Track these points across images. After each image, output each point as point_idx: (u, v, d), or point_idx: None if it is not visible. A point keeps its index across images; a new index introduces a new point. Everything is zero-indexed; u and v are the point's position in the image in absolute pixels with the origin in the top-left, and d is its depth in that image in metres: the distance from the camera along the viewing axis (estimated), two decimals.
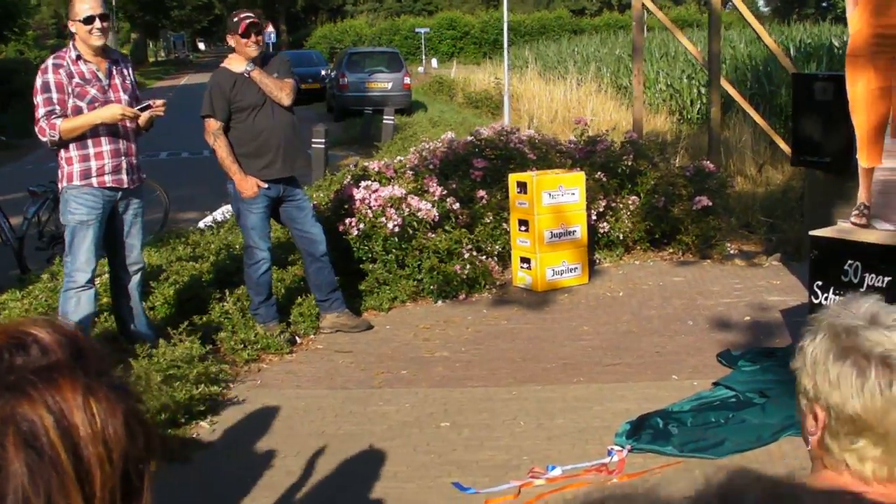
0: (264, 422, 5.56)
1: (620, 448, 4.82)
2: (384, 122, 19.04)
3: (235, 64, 6.76)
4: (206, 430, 5.47)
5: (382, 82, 27.11)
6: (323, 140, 13.35)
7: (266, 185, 6.75)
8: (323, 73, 32.82)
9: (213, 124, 6.72)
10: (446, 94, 31.92)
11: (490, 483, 4.60)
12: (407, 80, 27.53)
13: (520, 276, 8.29)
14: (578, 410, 5.48)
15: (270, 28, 49.16)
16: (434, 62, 46.04)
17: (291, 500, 4.59)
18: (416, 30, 44.96)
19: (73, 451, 0.88)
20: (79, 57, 5.95)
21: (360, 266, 7.90)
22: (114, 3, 55.30)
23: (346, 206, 7.99)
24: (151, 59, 77.26)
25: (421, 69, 42.26)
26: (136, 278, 6.44)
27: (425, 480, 4.71)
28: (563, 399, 5.68)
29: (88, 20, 5.89)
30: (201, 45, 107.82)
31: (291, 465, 4.96)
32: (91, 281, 6.10)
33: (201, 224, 10.28)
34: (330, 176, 10.34)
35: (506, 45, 23.48)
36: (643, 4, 11.40)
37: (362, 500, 4.52)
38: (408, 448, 5.12)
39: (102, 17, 5.91)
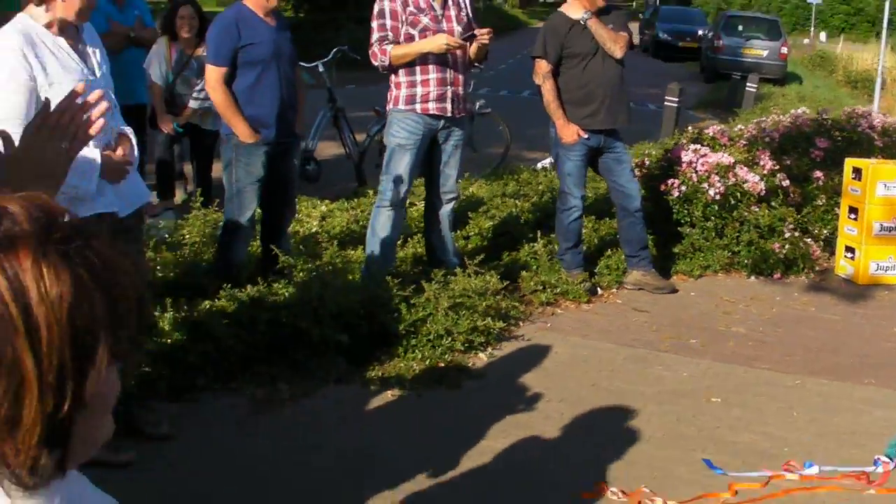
0: (541, 364, 5.61)
1: (888, 460, 4.44)
2: (747, 88, 18.38)
3: (573, 10, 6.74)
4: (482, 361, 5.59)
5: (758, 49, 26.17)
6: (676, 99, 13.07)
7: (586, 135, 6.73)
8: (700, 32, 32.11)
9: (543, 66, 6.76)
10: (827, 69, 30.30)
11: (742, 467, 4.39)
12: (784, 50, 26.39)
13: (841, 265, 7.77)
14: (859, 412, 5.09)
15: None
16: (823, 36, 43.73)
17: (538, 443, 4.61)
18: (809, 0, 42.78)
19: (24, 310, 0.95)
20: None
21: (678, 229, 7.72)
22: None
23: (673, 167, 7.82)
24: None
25: (807, 41, 40.32)
26: (448, 206, 6.62)
27: (678, 451, 4.56)
28: (848, 398, 5.29)
29: None
30: None
31: (552, 409, 4.97)
32: (402, 202, 6.34)
33: (539, 165, 10.39)
34: (677, 135, 10.15)
35: (885, 23, 21.81)
36: None
37: (608, 457, 4.46)
38: (671, 416, 4.98)
39: None
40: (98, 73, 4.05)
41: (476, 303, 5.85)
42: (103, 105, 2.01)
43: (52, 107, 1.97)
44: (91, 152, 3.76)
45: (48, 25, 3.93)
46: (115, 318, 1.03)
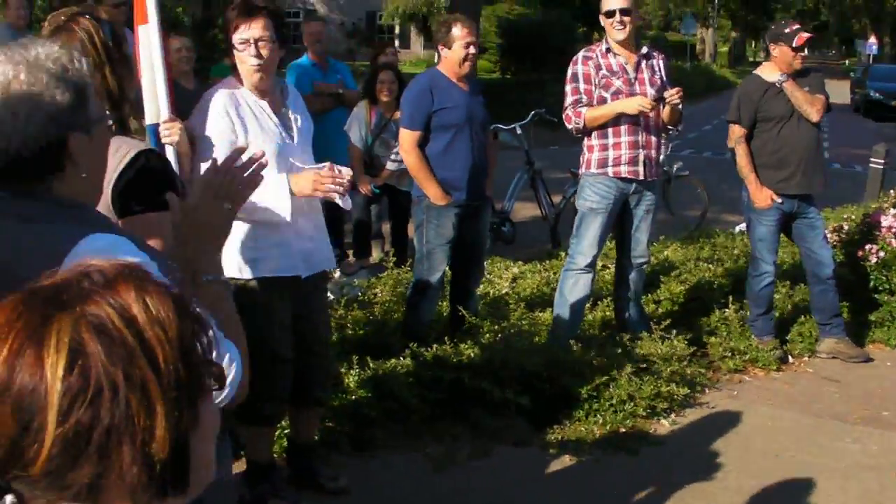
0: (724, 432, 5.45)
1: None
2: None
3: (769, 72, 6.61)
4: (664, 428, 5.49)
5: None
6: (882, 160, 12.51)
7: (780, 200, 6.56)
8: None
9: (736, 130, 6.66)
10: None
11: None
12: None
13: None
14: None
15: (872, 39, 46.86)
16: None
17: None
18: None
19: (137, 334, 1.05)
20: (608, 50, 6.16)
21: (875, 296, 7.38)
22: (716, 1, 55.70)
23: (872, 232, 7.50)
24: (750, 59, 76.79)
25: None
26: (638, 271, 6.56)
27: None
28: None
29: (609, 14, 6.08)
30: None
31: (732, 480, 4.83)
32: (591, 266, 6.31)
33: (737, 229, 10.15)
34: (881, 198, 9.74)
35: None
36: None
37: None
38: (857, 492, 4.77)
39: (623, 12, 6.03)
40: (295, 138, 4.25)
41: (661, 368, 5.76)
42: (263, 162, 2.13)
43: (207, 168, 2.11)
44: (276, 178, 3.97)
45: (252, 89, 4.19)
46: (210, 346, 1.14)
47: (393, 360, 5.38)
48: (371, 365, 5.28)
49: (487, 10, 39.68)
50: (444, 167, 5.98)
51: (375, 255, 9.22)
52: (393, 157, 8.18)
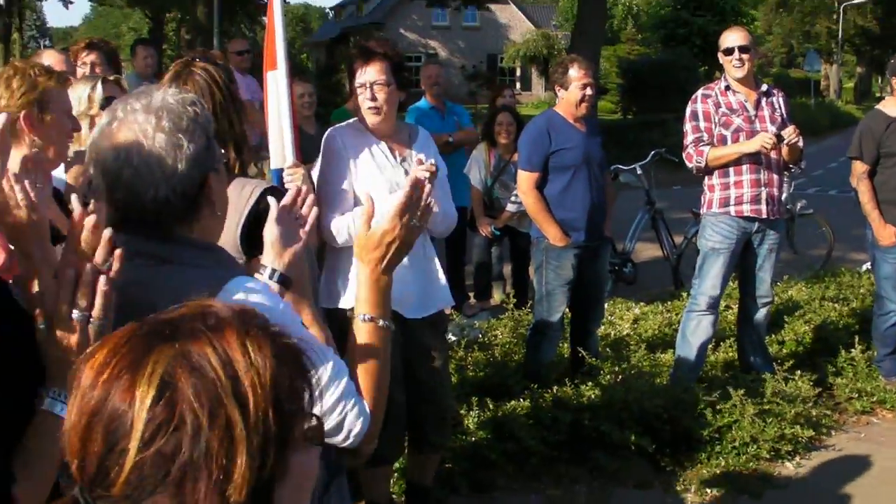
0: (851, 476, 5.31)
1: None
2: None
3: (891, 107, 6.47)
4: (788, 470, 5.37)
5: None
6: None
7: None
8: None
9: (858, 167, 6.54)
10: None
11: None
12: None
13: None
14: None
15: None
16: None
17: None
18: None
19: (231, 377, 1.09)
20: (727, 88, 6.11)
21: None
22: (840, 35, 54.50)
23: None
24: (876, 94, 74.76)
25: None
26: (762, 311, 6.45)
27: None
28: None
29: (728, 51, 6.04)
30: None
31: None
32: (714, 306, 6.24)
33: (864, 267, 9.89)
34: None
35: None
36: None
37: None
38: None
39: (742, 49, 5.99)
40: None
41: (785, 410, 5.64)
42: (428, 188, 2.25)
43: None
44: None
45: (372, 130, 4.31)
46: (311, 399, 1.17)
47: (513, 402, 5.41)
48: (490, 406, 5.31)
49: (608, 50, 39.74)
50: (563, 208, 6.01)
51: (496, 296, 9.26)
52: (513, 198, 8.23)
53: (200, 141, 2.03)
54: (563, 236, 5.99)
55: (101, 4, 58.24)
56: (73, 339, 1.77)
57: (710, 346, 6.45)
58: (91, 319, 1.78)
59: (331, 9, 72.06)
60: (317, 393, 1.19)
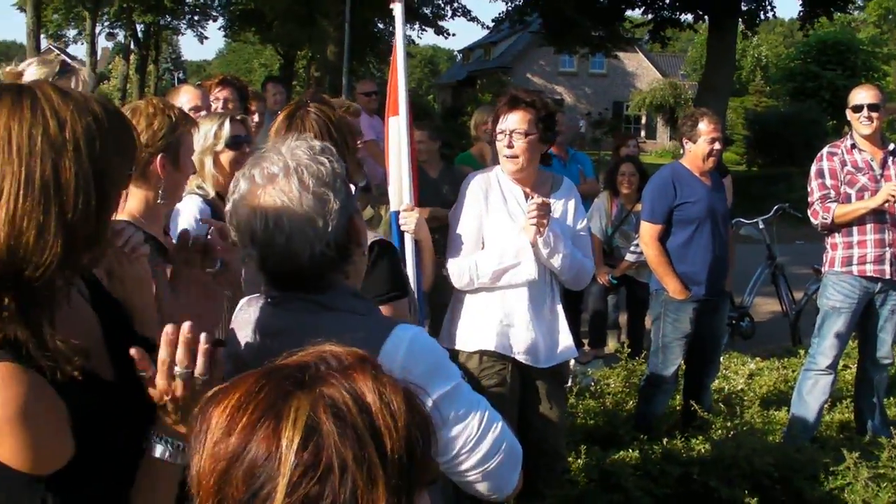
0: None
1: None
2: None
3: None
4: None
5: None
6: None
7: None
8: None
9: None
10: None
11: None
12: None
13: None
14: None
15: None
16: None
17: None
18: None
19: (369, 421, 1.14)
20: (853, 145, 6.05)
21: None
22: None
23: None
24: None
25: None
26: (882, 373, 6.34)
27: None
28: None
29: (857, 108, 5.98)
30: None
31: None
32: (832, 366, 6.15)
33: None
34: None
35: None
36: None
37: None
38: None
39: (871, 107, 5.92)
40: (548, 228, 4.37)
41: None
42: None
43: None
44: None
45: (508, 176, 4.45)
46: (434, 447, 1.21)
47: (621, 452, 5.41)
48: (599, 455, 5.32)
49: (735, 101, 39.27)
50: (684, 261, 6.01)
51: (611, 345, 9.25)
52: (632, 248, 8.24)
53: (343, 189, 2.05)
54: (683, 289, 5.98)
55: (234, 41, 60.11)
56: (177, 391, 1.74)
57: (825, 406, 6.34)
58: (195, 375, 1.74)
59: (459, 52, 72.79)
60: (463, 443, 1.23)
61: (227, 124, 3.92)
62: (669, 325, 6.06)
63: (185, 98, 4.76)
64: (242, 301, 2.30)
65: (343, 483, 1.09)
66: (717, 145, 5.99)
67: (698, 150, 5.99)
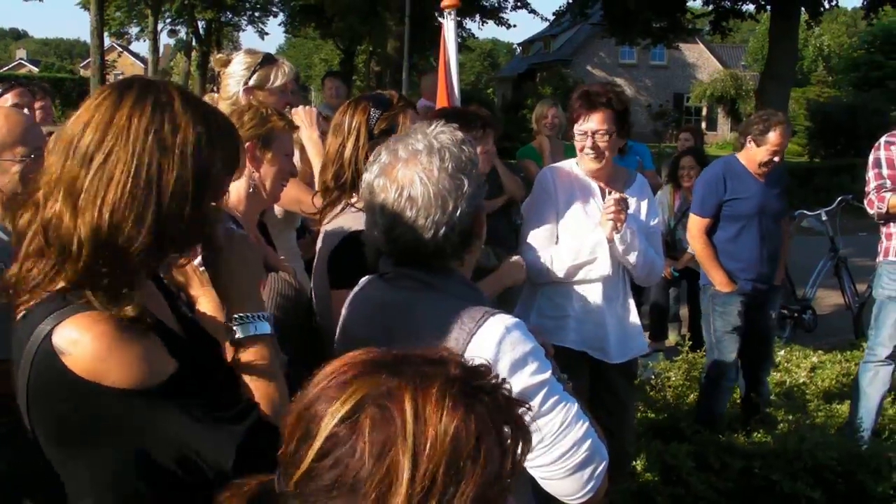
0: None
1: None
2: None
3: None
4: None
5: None
6: None
7: None
8: None
9: None
10: None
11: None
12: None
13: None
14: None
15: None
16: None
17: None
18: None
19: (418, 427, 1.16)
20: None
21: None
22: None
23: None
24: None
25: None
26: None
27: None
28: None
29: None
30: None
31: None
32: (892, 357, 6.09)
33: None
34: None
35: None
36: None
37: None
38: None
39: None
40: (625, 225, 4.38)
41: None
42: None
43: None
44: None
45: (587, 173, 4.47)
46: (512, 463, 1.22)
47: (683, 445, 5.42)
48: (660, 448, 5.35)
49: (797, 92, 38.76)
50: (731, 257, 6.00)
51: (672, 338, 9.25)
52: None
53: (477, 179, 2.11)
54: (728, 282, 5.97)
55: (294, 36, 60.40)
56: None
57: (887, 398, 6.30)
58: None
59: (518, 44, 72.61)
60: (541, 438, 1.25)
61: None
62: (719, 319, 6.05)
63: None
64: (363, 280, 2.39)
65: (358, 468, 1.16)
66: (776, 158, 5.92)
67: (757, 155, 5.93)
